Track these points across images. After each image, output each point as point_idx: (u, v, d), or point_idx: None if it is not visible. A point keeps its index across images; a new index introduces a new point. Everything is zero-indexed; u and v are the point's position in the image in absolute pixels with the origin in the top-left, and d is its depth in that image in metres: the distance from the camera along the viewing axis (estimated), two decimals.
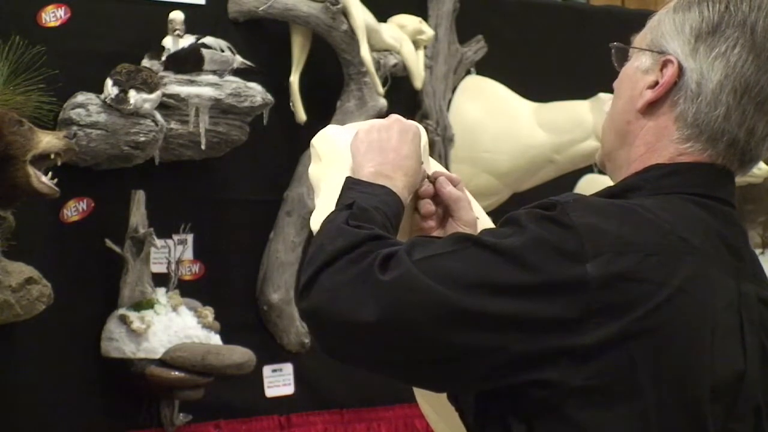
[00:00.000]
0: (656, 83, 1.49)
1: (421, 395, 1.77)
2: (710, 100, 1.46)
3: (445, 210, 1.73)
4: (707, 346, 1.37)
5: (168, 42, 3.01)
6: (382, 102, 3.33)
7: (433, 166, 1.96)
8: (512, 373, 1.36)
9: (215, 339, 3.04)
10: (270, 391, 3.34)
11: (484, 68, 3.79)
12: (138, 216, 3.00)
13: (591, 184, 3.82)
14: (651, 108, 1.50)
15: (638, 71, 1.52)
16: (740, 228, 1.51)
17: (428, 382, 1.48)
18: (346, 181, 1.59)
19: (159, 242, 3.03)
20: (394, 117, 1.72)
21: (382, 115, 3.27)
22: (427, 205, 1.70)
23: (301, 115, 3.29)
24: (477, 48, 3.76)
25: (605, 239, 1.35)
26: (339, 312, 1.38)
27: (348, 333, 1.39)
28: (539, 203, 1.43)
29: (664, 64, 1.48)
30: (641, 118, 1.51)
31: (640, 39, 1.56)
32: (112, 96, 2.85)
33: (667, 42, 1.50)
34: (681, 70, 1.47)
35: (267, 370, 3.32)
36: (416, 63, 3.49)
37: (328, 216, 1.53)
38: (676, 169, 1.47)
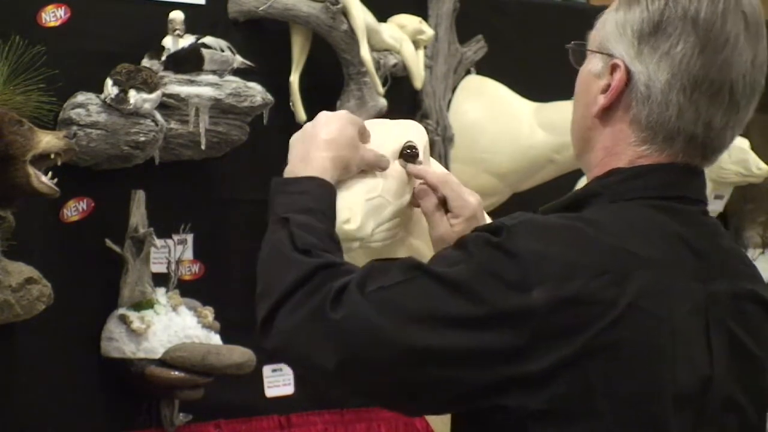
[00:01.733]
0: (608, 87, 1.47)
1: None
2: (660, 101, 1.44)
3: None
4: (667, 357, 1.36)
5: (168, 42, 3.01)
6: (382, 102, 3.33)
7: (433, 166, 1.97)
8: (472, 402, 1.37)
9: (215, 339, 3.04)
10: (270, 391, 3.34)
11: (484, 68, 3.79)
12: (138, 216, 3.00)
13: None
14: (606, 113, 1.48)
15: (591, 75, 1.51)
16: (707, 226, 1.49)
17: (398, 410, 1.51)
18: (272, 184, 1.61)
19: (159, 242, 3.03)
20: (324, 112, 1.73)
21: (382, 115, 3.27)
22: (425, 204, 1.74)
23: (301, 115, 3.29)
24: (477, 48, 3.76)
25: (550, 265, 1.34)
26: (299, 358, 1.43)
27: (313, 376, 1.44)
28: (487, 226, 1.43)
29: (613, 68, 1.47)
30: (598, 124, 1.49)
31: (591, 39, 1.54)
32: (112, 96, 2.85)
33: (613, 45, 1.48)
34: (629, 73, 1.45)
35: (267, 370, 3.32)
36: (416, 63, 3.49)
37: (268, 234, 1.53)
38: (636, 172, 1.46)
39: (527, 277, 1.33)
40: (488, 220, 1.83)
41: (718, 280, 1.45)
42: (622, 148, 1.47)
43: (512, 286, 1.34)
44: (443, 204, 1.77)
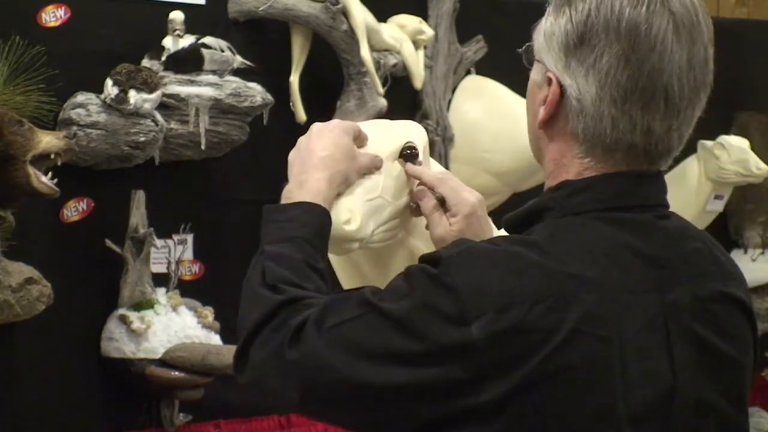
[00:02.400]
0: (546, 99, 1.44)
1: None
2: (593, 114, 1.40)
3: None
4: (616, 377, 1.34)
5: (168, 42, 3.01)
6: (382, 102, 3.33)
7: (433, 167, 1.96)
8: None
9: (215, 339, 3.04)
10: None
11: (484, 68, 3.79)
12: (138, 216, 3.00)
13: None
14: (548, 125, 1.45)
15: (534, 85, 1.48)
16: (665, 232, 1.45)
17: None
18: (264, 213, 1.63)
19: (159, 242, 3.03)
20: (317, 124, 1.73)
21: (382, 115, 3.27)
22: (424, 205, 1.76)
23: (301, 115, 3.29)
24: (477, 48, 3.77)
25: (487, 297, 1.33)
26: (269, 392, 1.47)
27: (284, 409, 1.54)
28: (429, 256, 1.41)
29: (548, 81, 1.44)
30: (544, 135, 1.47)
31: (534, 45, 1.51)
32: (112, 96, 2.85)
33: (545, 57, 1.45)
34: (561, 87, 1.42)
35: None
36: (416, 63, 3.49)
37: (251, 266, 1.57)
38: (583, 185, 1.43)
39: (465, 311, 1.32)
40: (488, 219, 1.83)
41: (679, 286, 1.41)
42: (568, 160, 1.45)
43: (451, 321, 1.33)
44: (442, 204, 1.77)
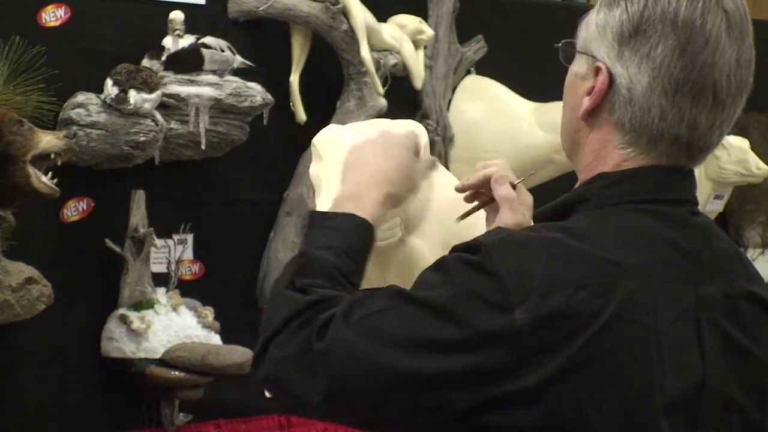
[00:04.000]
0: (593, 89, 1.46)
1: None
2: (643, 103, 1.42)
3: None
4: (653, 365, 1.35)
5: (168, 42, 3.01)
6: (382, 102, 3.33)
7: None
8: (463, 423, 1.36)
9: (215, 339, 3.04)
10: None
11: (484, 68, 3.79)
12: (138, 216, 3.00)
13: None
14: (592, 115, 1.47)
15: (577, 77, 1.50)
16: (697, 227, 1.47)
17: None
18: (310, 217, 1.59)
19: (159, 242, 3.03)
20: (382, 130, 1.70)
21: (382, 115, 3.27)
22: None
23: (301, 115, 3.29)
24: (477, 48, 3.77)
25: (530, 282, 1.33)
26: (288, 391, 1.42)
27: (301, 410, 1.44)
28: (466, 244, 1.41)
29: (596, 71, 1.45)
30: (585, 126, 1.48)
31: (578, 39, 1.52)
32: (112, 96, 2.85)
33: (595, 47, 1.46)
34: (611, 76, 1.44)
35: None
36: (416, 63, 3.49)
37: (286, 266, 1.55)
38: (621, 177, 1.45)
39: (508, 296, 1.32)
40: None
41: (710, 281, 1.43)
42: (608, 151, 1.46)
43: (494, 307, 1.33)
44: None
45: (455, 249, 1.42)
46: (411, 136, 1.70)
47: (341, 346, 1.37)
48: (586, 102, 1.46)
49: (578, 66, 1.50)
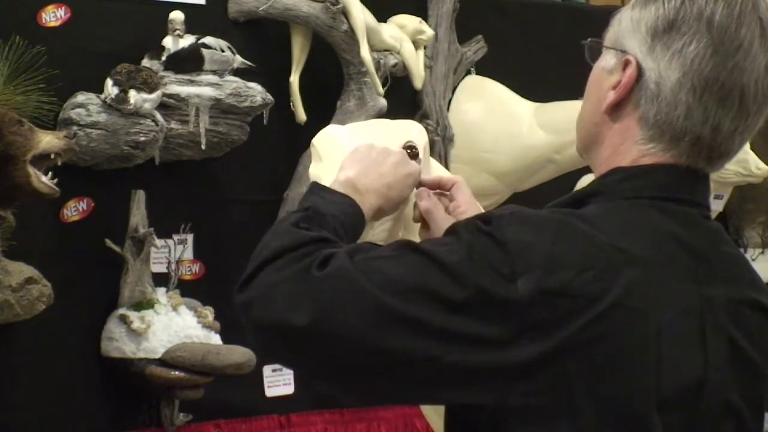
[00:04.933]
0: (619, 83, 1.47)
1: None
2: (670, 99, 1.43)
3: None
4: (651, 356, 1.35)
5: (168, 42, 3.01)
6: (382, 102, 3.33)
7: (433, 166, 1.97)
8: (446, 387, 1.35)
9: (215, 339, 3.04)
10: (270, 391, 3.34)
11: (484, 68, 3.79)
12: (138, 216, 3.00)
13: None
14: (615, 109, 1.48)
15: (604, 71, 1.50)
16: (707, 230, 1.48)
17: (366, 396, 1.50)
18: (311, 185, 1.61)
19: (159, 242, 3.03)
20: (401, 150, 1.74)
21: (382, 115, 3.27)
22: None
23: (301, 115, 3.29)
24: (477, 48, 3.77)
25: (536, 256, 1.34)
26: (270, 313, 1.38)
27: (280, 335, 1.38)
28: (479, 215, 1.43)
29: (625, 64, 1.46)
30: (607, 120, 1.49)
31: (607, 37, 1.54)
32: (112, 96, 2.85)
33: (627, 41, 1.47)
34: (640, 70, 1.45)
35: (267, 370, 3.32)
36: (416, 63, 3.49)
37: (282, 217, 1.54)
38: (637, 172, 1.45)
39: (513, 266, 1.33)
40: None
41: (716, 284, 1.44)
42: (628, 146, 1.47)
43: (498, 274, 1.33)
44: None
45: (468, 219, 1.44)
46: (415, 171, 1.73)
47: (341, 276, 1.35)
48: (612, 95, 1.47)
49: (605, 61, 1.51)
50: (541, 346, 1.32)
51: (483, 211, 1.76)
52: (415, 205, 1.82)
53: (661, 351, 1.36)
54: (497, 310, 1.33)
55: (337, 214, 1.53)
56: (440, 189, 1.80)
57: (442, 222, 1.73)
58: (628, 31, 1.48)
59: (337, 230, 1.51)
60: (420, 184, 1.82)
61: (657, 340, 1.36)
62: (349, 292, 1.35)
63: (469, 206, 1.77)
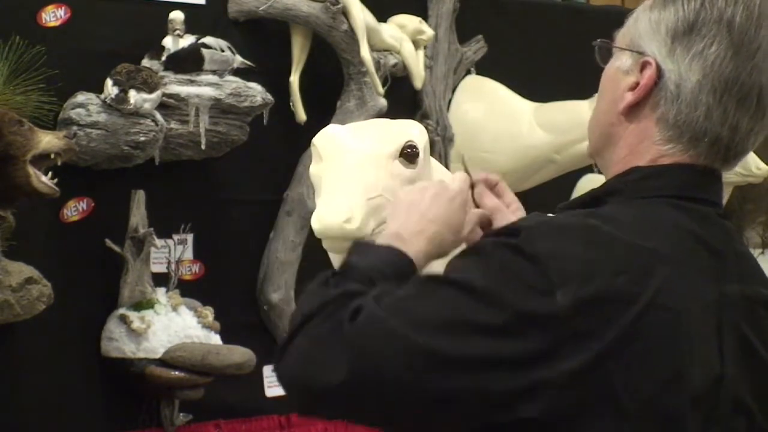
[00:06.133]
0: (636, 84, 1.47)
1: None
2: (690, 101, 1.43)
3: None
4: (684, 354, 1.36)
5: (168, 42, 3.01)
6: (382, 102, 3.33)
7: (433, 166, 1.97)
8: (496, 413, 1.33)
9: (215, 339, 3.04)
10: (270, 391, 3.34)
11: (484, 68, 3.79)
12: (138, 216, 3.00)
13: (591, 184, 3.82)
14: (633, 110, 1.48)
15: (619, 72, 1.50)
16: (723, 228, 1.48)
17: None
18: (352, 244, 1.53)
19: (159, 242, 3.03)
20: (438, 180, 1.69)
21: (382, 115, 3.27)
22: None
23: (301, 115, 3.29)
24: (477, 48, 3.77)
25: (570, 266, 1.33)
26: (310, 377, 1.34)
27: (323, 397, 1.34)
28: (502, 229, 1.41)
29: (643, 66, 1.46)
30: (624, 121, 1.49)
31: (621, 37, 1.53)
32: (112, 96, 2.85)
33: (645, 42, 1.47)
34: (660, 71, 1.45)
35: (267, 370, 3.32)
36: (416, 63, 3.49)
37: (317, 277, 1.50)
38: (656, 171, 1.45)
39: (549, 278, 1.31)
40: None
41: (732, 281, 1.44)
42: (646, 146, 1.47)
43: (535, 290, 1.31)
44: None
45: (493, 233, 1.42)
46: (462, 192, 1.64)
47: (372, 323, 1.32)
48: (630, 96, 1.47)
49: (621, 61, 1.50)
50: (586, 354, 1.31)
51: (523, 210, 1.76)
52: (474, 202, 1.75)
53: (692, 348, 1.37)
54: (539, 327, 1.31)
55: (378, 265, 1.46)
56: (488, 184, 1.76)
57: (504, 220, 1.69)
58: (646, 33, 1.47)
59: (374, 280, 1.44)
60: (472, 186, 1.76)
61: (688, 337, 1.37)
62: (382, 338, 1.31)
63: (517, 203, 1.75)
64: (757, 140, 1.48)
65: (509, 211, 1.72)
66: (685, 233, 1.42)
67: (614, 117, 1.50)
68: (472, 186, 1.70)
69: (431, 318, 1.32)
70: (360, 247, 1.52)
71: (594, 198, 1.48)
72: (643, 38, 1.47)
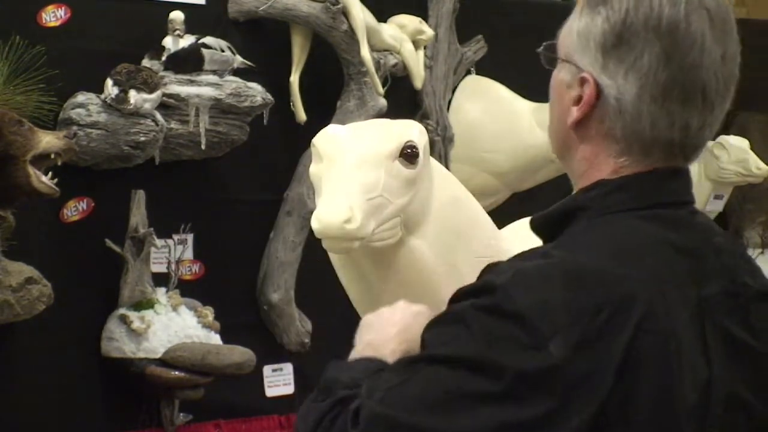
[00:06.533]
0: (580, 98, 1.43)
1: None
2: (633, 112, 1.39)
3: None
4: (675, 372, 1.35)
5: (168, 42, 3.01)
6: (382, 102, 3.33)
7: (433, 166, 1.97)
8: None
9: (215, 339, 3.04)
10: (270, 391, 3.34)
11: (484, 68, 3.79)
12: (138, 216, 3.00)
13: None
14: (581, 125, 1.44)
15: (563, 84, 1.46)
16: (698, 226, 1.46)
17: None
18: (327, 366, 1.51)
19: (159, 242, 3.03)
20: (401, 302, 1.66)
21: (382, 115, 3.27)
22: None
23: (301, 115, 3.29)
24: (477, 48, 3.77)
25: (555, 315, 1.29)
26: None
27: None
28: (476, 288, 1.36)
29: (582, 81, 1.42)
30: (574, 135, 1.45)
31: (560, 44, 1.49)
32: (112, 96, 2.85)
33: (579, 57, 1.43)
34: (598, 86, 1.41)
35: (267, 370, 3.32)
36: (416, 63, 3.49)
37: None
38: (619, 184, 1.42)
39: (538, 332, 1.28)
40: None
41: (711, 282, 1.42)
42: (603, 159, 1.44)
43: (527, 347, 1.28)
44: None
45: (463, 293, 1.36)
46: (424, 308, 1.62)
47: (378, 421, 1.30)
48: (575, 112, 1.43)
49: (563, 73, 1.47)
50: (593, 396, 1.29)
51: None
52: None
53: (681, 364, 1.36)
54: (542, 385, 1.28)
55: (357, 375, 1.45)
56: None
57: None
58: (578, 48, 1.44)
59: (355, 383, 1.43)
60: None
61: (677, 353, 1.35)
62: (391, 430, 1.29)
63: None
64: (714, 130, 1.44)
65: None
66: (659, 245, 1.40)
67: (566, 130, 1.46)
68: None
69: (433, 400, 1.29)
70: (335, 364, 1.50)
71: (563, 214, 1.44)
72: (577, 52, 1.44)
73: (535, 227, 1.50)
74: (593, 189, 1.44)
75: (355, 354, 1.53)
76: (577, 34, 1.44)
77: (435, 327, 1.37)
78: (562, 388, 1.28)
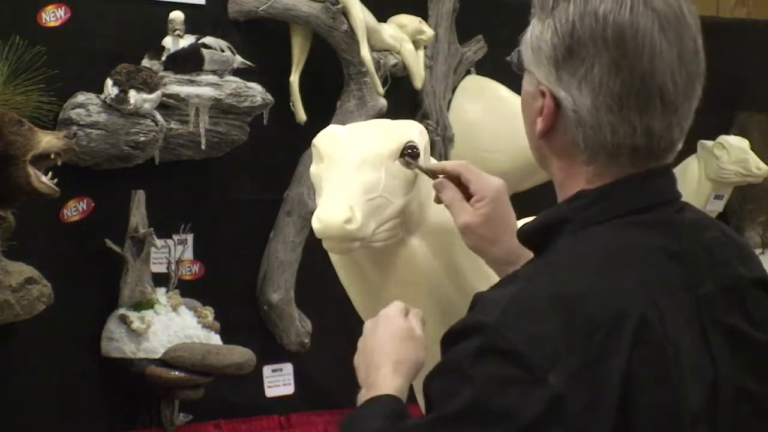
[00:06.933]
0: (542, 110, 1.42)
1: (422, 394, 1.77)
2: (592, 123, 1.38)
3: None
4: (677, 380, 1.34)
5: (168, 42, 3.01)
6: (382, 102, 3.33)
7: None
8: None
9: (215, 339, 3.04)
10: (270, 391, 3.34)
11: (484, 68, 3.79)
12: (138, 216, 3.00)
13: None
14: (548, 136, 1.44)
15: (528, 95, 1.46)
16: (686, 224, 1.44)
17: None
18: (339, 427, 1.55)
19: (159, 242, 3.03)
20: (383, 314, 1.68)
21: (382, 115, 3.27)
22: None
23: (301, 115, 3.29)
24: (477, 48, 3.77)
25: (550, 346, 1.28)
26: None
27: None
28: (465, 329, 1.34)
29: (542, 94, 1.42)
30: (545, 146, 1.46)
31: (523, 54, 1.48)
32: (112, 96, 2.85)
33: (535, 69, 1.43)
34: (556, 99, 1.40)
35: (267, 370, 3.32)
36: (416, 63, 3.49)
37: None
38: (600, 194, 1.41)
39: (537, 368, 1.27)
40: (510, 204, 1.81)
41: (706, 279, 1.42)
42: (576, 169, 1.43)
43: (527, 384, 1.27)
44: (465, 192, 1.78)
45: (453, 335, 1.36)
46: (395, 308, 1.67)
47: None
48: (540, 123, 1.43)
49: (527, 83, 1.46)
50: (600, 419, 1.29)
51: (498, 185, 1.78)
52: (436, 195, 1.82)
53: (683, 370, 1.35)
54: (551, 417, 1.27)
55: (376, 425, 1.49)
56: (446, 175, 1.80)
57: (463, 214, 1.75)
58: (534, 60, 1.43)
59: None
60: (432, 174, 1.82)
61: (677, 362, 1.34)
62: None
63: (486, 190, 1.77)
64: (684, 128, 1.42)
65: (474, 201, 1.76)
66: (649, 252, 1.39)
67: (536, 140, 1.47)
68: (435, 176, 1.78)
69: None
70: (348, 421, 1.55)
71: (549, 226, 1.44)
72: (533, 64, 1.43)
73: (523, 240, 1.49)
74: (575, 200, 1.43)
75: (360, 398, 1.58)
76: (531, 48, 1.44)
77: (435, 379, 1.36)
78: (567, 417, 1.27)
